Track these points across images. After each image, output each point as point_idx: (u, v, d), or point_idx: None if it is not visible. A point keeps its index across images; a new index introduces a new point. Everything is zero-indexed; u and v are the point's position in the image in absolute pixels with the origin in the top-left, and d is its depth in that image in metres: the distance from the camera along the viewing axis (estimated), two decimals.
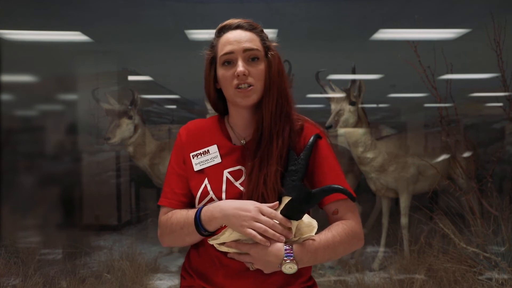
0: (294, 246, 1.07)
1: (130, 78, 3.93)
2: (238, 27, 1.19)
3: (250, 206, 1.06)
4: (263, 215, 1.06)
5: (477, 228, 2.92)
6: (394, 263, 3.13)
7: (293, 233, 1.07)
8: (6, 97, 3.55)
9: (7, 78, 3.53)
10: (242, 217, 1.05)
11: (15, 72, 3.63)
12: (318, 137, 1.19)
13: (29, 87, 3.72)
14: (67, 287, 2.93)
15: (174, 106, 4.34)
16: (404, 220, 3.19)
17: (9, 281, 2.91)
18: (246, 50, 1.15)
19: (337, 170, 1.19)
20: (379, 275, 3.06)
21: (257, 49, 1.17)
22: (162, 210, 1.23)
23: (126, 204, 3.96)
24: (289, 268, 1.06)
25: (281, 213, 1.07)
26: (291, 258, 1.05)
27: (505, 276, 2.70)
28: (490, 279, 2.73)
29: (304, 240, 1.08)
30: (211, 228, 1.11)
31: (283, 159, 1.15)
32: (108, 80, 3.70)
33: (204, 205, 1.17)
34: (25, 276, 2.92)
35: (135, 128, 3.37)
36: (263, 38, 1.21)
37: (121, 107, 3.36)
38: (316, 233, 1.10)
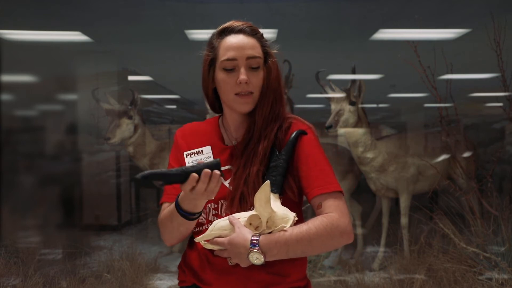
0: (261, 237, 1.06)
1: (130, 78, 3.93)
2: (240, 31, 1.18)
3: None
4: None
5: (477, 228, 2.92)
6: (394, 263, 3.14)
7: (263, 223, 1.07)
8: (6, 97, 3.55)
9: (7, 78, 3.53)
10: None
11: (15, 72, 3.63)
12: (301, 132, 1.18)
13: (29, 87, 3.72)
14: (67, 287, 2.93)
15: (174, 106, 4.35)
16: (404, 220, 3.19)
17: (9, 281, 2.91)
18: (249, 58, 1.16)
19: (322, 165, 1.17)
20: (379, 275, 3.06)
21: (259, 57, 1.18)
22: (164, 208, 1.23)
23: (126, 204, 3.97)
24: (256, 258, 1.05)
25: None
26: (257, 247, 1.04)
27: (505, 276, 2.70)
28: (490, 279, 2.73)
29: (277, 232, 1.07)
30: (188, 207, 1.09)
31: (266, 158, 1.17)
32: (108, 80, 3.70)
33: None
34: (25, 276, 2.92)
35: (135, 128, 3.37)
36: (263, 44, 1.21)
37: (121, 107, 3.36)
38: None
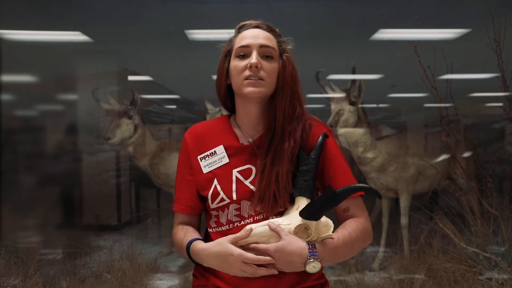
0: (317, 245, 1.07)
1: (130, 78, 3.93)
2: (257, 26, 1.22)
3: (229, 249, 1.07)
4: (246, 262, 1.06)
5: (477, 228, 2.91)
6: (394, 263, 3.13)
7: (312, 233, 1.08)
8: (6, 97, 3.54)
9: (7, 78, 3.53)
10: (229, 265, 1.07)
11: (15, 72, 3.63)
12: (326, 136, 1.21)
13: (29, 87, 3.71)
14: (67, 287, 2.93)
15: (174, 106, 4.34)
16: (404, 220, 3.19)
17: (9, 281, 2.91)
18: (262, 46, 1.18)
19: (346, 168, 1.23)
20: (379, 275, 3.06)
21: (272, 48, 1.20)
22: (175, 215, 1.29)
23: (126, 204, 3.96)
24: (313, 267, 1.06)
25: (300, 213, 1.07)
26: (316, 256, 1.05)
27: (505, 276, 2.70)
28: (490, 279, 2.73)
29: (323, 239, 1.09)
30: (197, 258, 1.16)
31: (294, 158, 1.17)
32: (108, 80, 3.69)
33: (214, 210, 1.21)
34: (25, 276, 2.92)
35: (135, 128, 3.37)
36: (279, 42, 1.24)
37: (121, 107, 3.36)
38: (332, 232, 1.11)
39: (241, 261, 1.04)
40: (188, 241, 1.17)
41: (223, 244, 1.08)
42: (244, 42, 1.19)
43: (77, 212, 3.78)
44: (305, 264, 1.06)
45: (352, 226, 1.16)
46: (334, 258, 1.11)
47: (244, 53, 1.18)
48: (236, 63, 1.19)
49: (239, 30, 1.24)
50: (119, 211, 3.88)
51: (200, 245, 1.14)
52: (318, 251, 1.06)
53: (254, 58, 1.16)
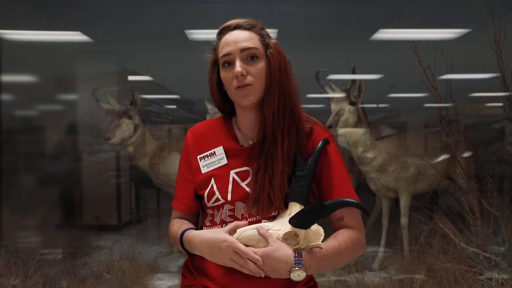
0: (303, 253, 1.07)
1: (130, 78, 3.93)
2: (236, 27, 1.19)
3: (223, 236, 1.09)
4: (237, 252, 1.07)
5: (477, 228, 2.91)
6: (394, 263, 3.13)
7: (301, 241, 1.07)
8: (6, 97, 3.55)
9: (7, 78, 3.53)
10: (221, 251, 1.08)
11: (15, 72, 3.63)
12: (326, 142, 1.19)
13: (29, 87, 3.72)
14: (67, 287, 2.93)
15: (174, 106, 4.35)
16: (404, 220, 3.19)
17: (9, 281, 2.91)
18: (243, 49, 1.15)
19: (344, 176, 1.19)
20: (379, 275, 3.06)
21: (255, 48, 1.16)
22: (173, 212, 1.30)
23: (126, 204, 3.97)
24: (297, 275, 1.05)
25: (290, 221, 1.07)
26: (301, 265, 1.05)
27: (505, 276, 2.70)
28: (490, 279, 2.73)
29: (311, 248, 1.08)
30: (189, 247, 1.18)
31: (290, 160, 1.15)
32: (108, 80, 3.70)
33: (209, 209, 1.21)
34: (25, 276, 2.92)
35: (135, 128, 3.37)
36: (263, 36, 1.20)
37: (121, 107, 3.36)
38: (322, 241, 1.10)
39: (232, 250, 1.06)
40: (182, 230, 1.20)
41: (218, 231, 1.11)
42: (225, 50, 1.16)
43: (77, 212, 3.78)
44: (290, 271, 1.05)
45: (344, 237, 1.14)
46: (321, 268, 1.10)
47: (228, 61, 1.16)
48: (224, 75, 1.18)
49: (220, 35, 1.20)
50: (119, 211, 3.88)
51: (194, 231, 1.17)
52: (304, 260, 1.06)
53: (238, 66, 1.14)
